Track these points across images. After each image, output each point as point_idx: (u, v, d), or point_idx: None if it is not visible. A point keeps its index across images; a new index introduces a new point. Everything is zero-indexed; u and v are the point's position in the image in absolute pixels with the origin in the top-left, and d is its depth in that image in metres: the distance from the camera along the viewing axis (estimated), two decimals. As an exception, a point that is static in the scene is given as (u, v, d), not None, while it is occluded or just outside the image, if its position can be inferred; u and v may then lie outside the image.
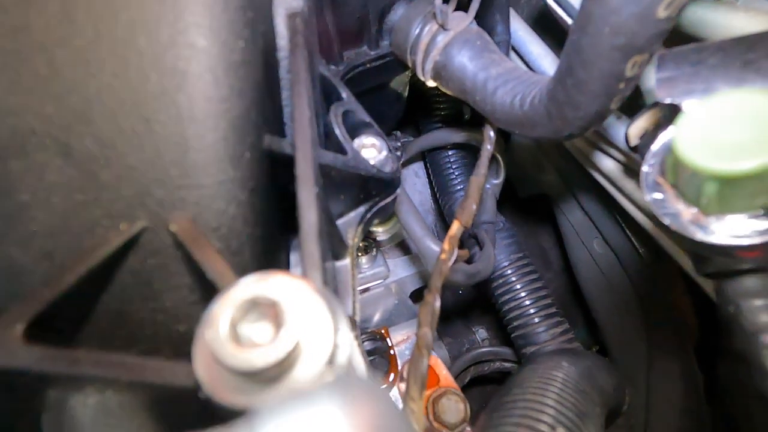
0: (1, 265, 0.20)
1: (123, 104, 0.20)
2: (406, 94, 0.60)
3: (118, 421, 0.23)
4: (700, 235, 0.24)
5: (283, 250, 0.33)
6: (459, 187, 0.65)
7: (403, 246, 0.68)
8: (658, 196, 0.26)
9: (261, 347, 0.16)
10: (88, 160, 0.20)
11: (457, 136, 0.61)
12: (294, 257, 0.35)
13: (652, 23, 0.27)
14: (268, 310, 0.17)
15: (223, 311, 0.16)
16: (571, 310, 0.76)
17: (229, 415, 0.17)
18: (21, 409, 0.21)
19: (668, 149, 0.26)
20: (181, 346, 0.23)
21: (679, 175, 0.24)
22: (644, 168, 0.26)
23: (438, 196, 0.67)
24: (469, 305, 0.79)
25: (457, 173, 0.65)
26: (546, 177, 0.67)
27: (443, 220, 0.71)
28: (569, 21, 0.42)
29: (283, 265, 0.33)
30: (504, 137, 0.65)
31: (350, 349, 0.19)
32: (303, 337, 0.17)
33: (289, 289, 0.18)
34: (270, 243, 0.28)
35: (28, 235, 0.20)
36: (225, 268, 0.20)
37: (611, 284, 0.62)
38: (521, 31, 0.49)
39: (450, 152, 0.65)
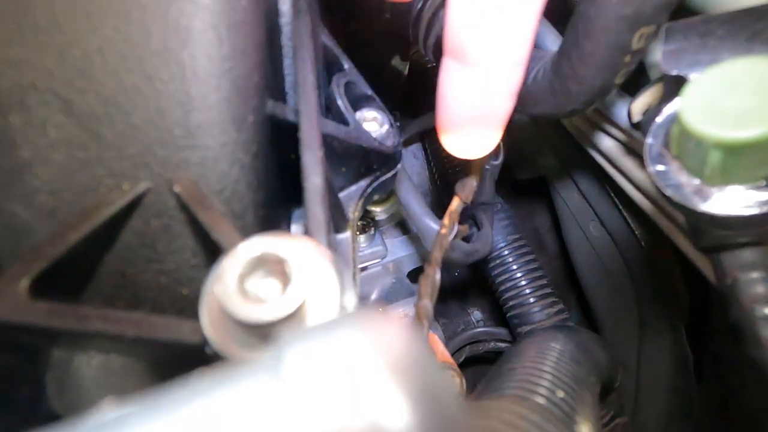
0: (3, 222, 0.20)
1: (125, 60, 0.20)
2: (406, 71, 0.59)
3: (121, 381, 0.23)
4: (702, 206, 0.24)
5: (284, 219, 0.33)
6: (458, 168, 0.65)
7: (401, 226, 0.68)
8: (661, 167, 0.26)
9: (269, 302, 0.16)
10: (90, 117, 0.20)
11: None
12: (295, 227, 0.35)
13: (662, -8, 0.27)
14: (275, 267, 0.17)
15: (231, 266, 0.16)
16: (565, 293, 0.77)
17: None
18: (25, 368, 0.21)
19: (673, 120, 0.26)
20: (184, 309, 0.23)
21: (683, 145, 0.24)
22: (648, 140, 0.26)
23: (436, 177, 0.67)
24: (465, 287, 0.80)
25: (456, 153, 0.65)
26: (544, 159, 0.67)
27: (441, 202, 0.71)
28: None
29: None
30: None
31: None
32: (310, 296, 0.17)
33: (296, 248, 0.18)
34: (272, 210, 0.27)
35: (30, 192, 0.20)
36: (230, 228, 0.20)
37: (606, 267, 0.63)
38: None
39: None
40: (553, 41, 0.49)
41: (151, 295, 0.22)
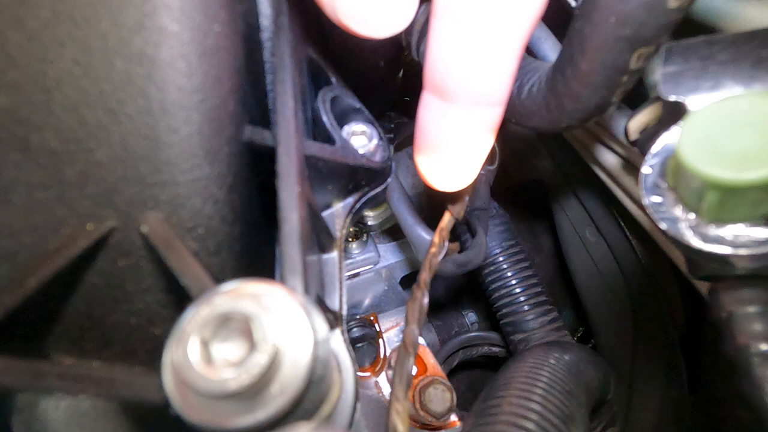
0: (-41, 267, 0.19)
1: (86, 94, 0.19)
2: (400, 74, 0.58)
3: (93, 422, 0.22)
4: (696, 243, 0.23)
5: (266, 243, 0.32)
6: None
7: (393, 231, 0.67)
8: (656, 199, 0.25)
9: (233, 369, 0.15)
10: (49, 155, 0.19)
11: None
12: (278, 250, 0.34)
13: (662, 13, 0.25)
14: (241, 325, 0.16)
15: (192, 331, 0.15)
16: (560, 294, 0.77)
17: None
18: (-12, 414, 0.20)
19: (670, 152, 0.25)
20: (157, 349, 0.22)
21: (679, 179, 0.23)
22: (643, 170, 0.25)
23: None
24: (460, 289, 0.80)
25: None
26: (541, 162, 0.66)
27: (437, 204, 0.70)
28: (574, 3, 0.40)
29: (268, 258, 0.32)
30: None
31: (331, 360, 0.18)
32: (281, 349, 0.16)
33: (266, 298, 0.17)
34: (251, 239, 0.26)
35: (-14, 236, 0.19)
36: (199, 272, 0.19)
37: (601, 273, 0.62)
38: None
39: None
40: (551, 47, 0.47)
41: (121, 336, 0.22)
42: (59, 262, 0.19)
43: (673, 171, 0.23)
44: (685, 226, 0.23)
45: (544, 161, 0.66)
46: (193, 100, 0.20)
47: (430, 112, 0.29)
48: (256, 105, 0.28)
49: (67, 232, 0.19)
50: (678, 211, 0.24)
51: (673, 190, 0.24)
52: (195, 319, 0.15)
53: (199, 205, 0.21)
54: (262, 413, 0.16)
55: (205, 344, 0.15)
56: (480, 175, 0.61)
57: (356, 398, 0.24)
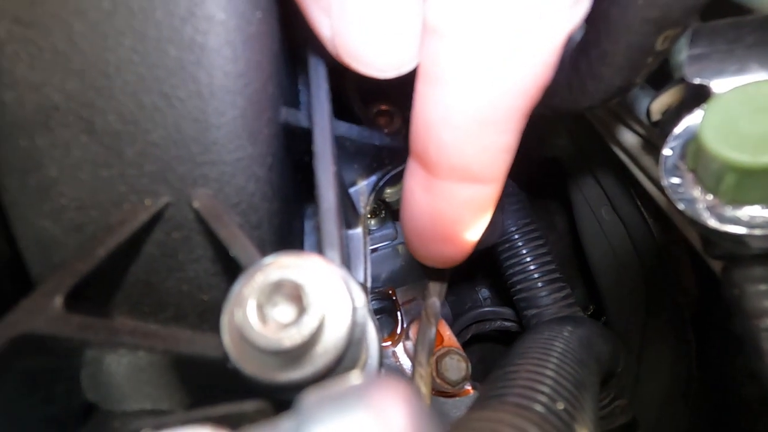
0: (34, 237, 0.21)
1: (143, 79, 0.20)
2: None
3: (149, 377, 0.25)
4: (713, 223, 0.24)
5: (296, 218, 0.34)
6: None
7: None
8: (675, 180, 0.26)
9: (288, 329, 0.17)
10: (111, 136, 0.20)
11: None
12: (307, 225, 0.36)
13: (690, -5, 0.25)
14: (291, 291, 0.18)
15: (250, 294, 0.17)
16: (572, 271, 0.78)
17: (253, 383, 0.18)
18: (61, 367, 0.23)
19: (691, 134, 0.25)
20: (204, 314, 0.24)
21: (699, 161, 0.24)
22: (664, 151, 0.26)
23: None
24: (473, 264, 0.81)
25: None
26: (558, 141, 0.66)
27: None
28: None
29: (297, 233, 0.34)
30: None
31: (366, 326, 0.20)
32: (326, 314, 0.18)
33: (310, 270, 0.19)
34: (286, 214, 0.28)
35: (59, 209, 0.21)
36: (247, 244, 0.21)
37: (616, 252, 0.63)
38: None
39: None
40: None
41: (174, 302, 0.24)
42: (123, 234, 0.21)
43: (694, 153, 0.24)
44: (703, 207, 0.24)
45: (561, 139, 0.66)
46: (238, 85, 0.22)
47: (414, 181, 0.25)
48: (288, 86, 0.30)
49: (127, 206, 0.21)
50: (696, 192, 0.25)
51: (693, 171, 0.25)
52: (252, 285, 0.17)
53: (242, 182, 0.23)
54: (309, 369, 0.18)
55: (261, 307, 0.17)
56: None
57: (381, 363, 0.26)
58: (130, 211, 0.21)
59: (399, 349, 0.54)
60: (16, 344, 0.19)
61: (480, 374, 0.71)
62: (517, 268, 0.62)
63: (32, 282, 0.22)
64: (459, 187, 0.23)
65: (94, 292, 0.21)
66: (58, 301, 0.19)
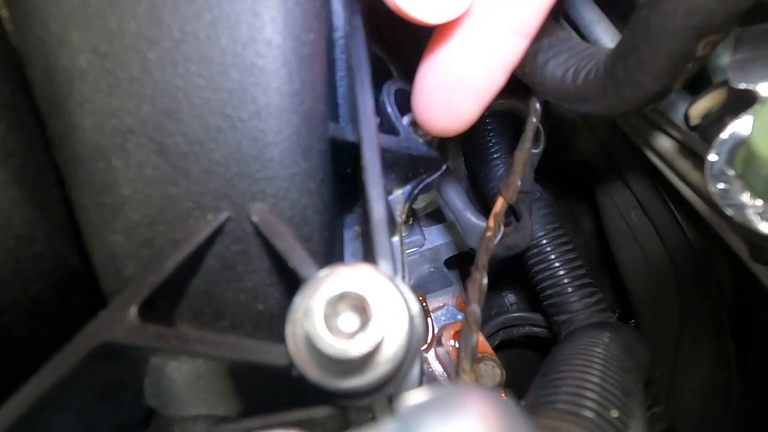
0: (107, 252, 0.22)
1: (208, 102, 0.21)
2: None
3: (207, 383, 0.26)
4: (765, 228, 0.24)
5: (339, 228, 0.35)
6: (495, 155, 0.64)
7: (437, 214, 0.69)
8: (722, 186, 0.26)
9: (355, 338, 0.17)
10: (179, 156, 0.22)
11: (496, 104, 0.60)
12: (346, 234, 0.37)
13: (733, 1, 0.25)
14: (354, 302, 0.19)
15: (318, 305, 0.18)
16: (600, 275, 0.77)
17: (315, 391, 0.19)
18: (130, 374, 0.24)
19: (738, 139, 0.25)
20: (260, 323, 0.26)
21: (749, 167, 0.24)
22: (710, 157, 0.26)
23: (472, 163, 0.67)
24: (499, 270, 0.81)
25: (494, 141, 0.65)
26: (585, 144, 0.66)
27: (476, 187, 0.71)
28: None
29: (338, 242, 0.35)
30: (545, 106, 0.63)
31: (422, 334, 0.20)
32: (387, 324, 0.19)
33: (370, 281, 0.19)
34: (333, 226, 0.29)
35: (131, 225, 0.22)
36: (305, 256, 0.22)
37: (647, 256, 0.62)
38: (575, -4, 0.47)
39: (487, 119, 0.64)
40: (603, 30, 0.47)
41: (232, 311, 0.25)
42: (188, 247, 0.22)
43: (743, 159, 0.24)
44: (753, 213, 0.24)
45: (588, 143, 0.66)
46: (293, 104, 0.23)
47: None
48: (331, 101, 0.31)
49: (192, 222, 0.23)
50: (745, 197, 0.25)
51: (741, 177, 0.25)
52: (319, 297, 0.18)
53: (296, 196, 0.24)
54: (370, 376, 0.19)
55: (327, 318, 0.18)
56: (525, 158, 0.62)
57: (422, 371, 0.26)
58: (194, 225, 0.22)
59: (430, 356, 0.54)
60: (95, 353, 0.20)
61: (507, 380, 0.71)
62: (547, 273, 0.61)
63: (103, 296, 0.23)
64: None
65: (163, 303, 0.22)
66: (134, 311, 0.20)
